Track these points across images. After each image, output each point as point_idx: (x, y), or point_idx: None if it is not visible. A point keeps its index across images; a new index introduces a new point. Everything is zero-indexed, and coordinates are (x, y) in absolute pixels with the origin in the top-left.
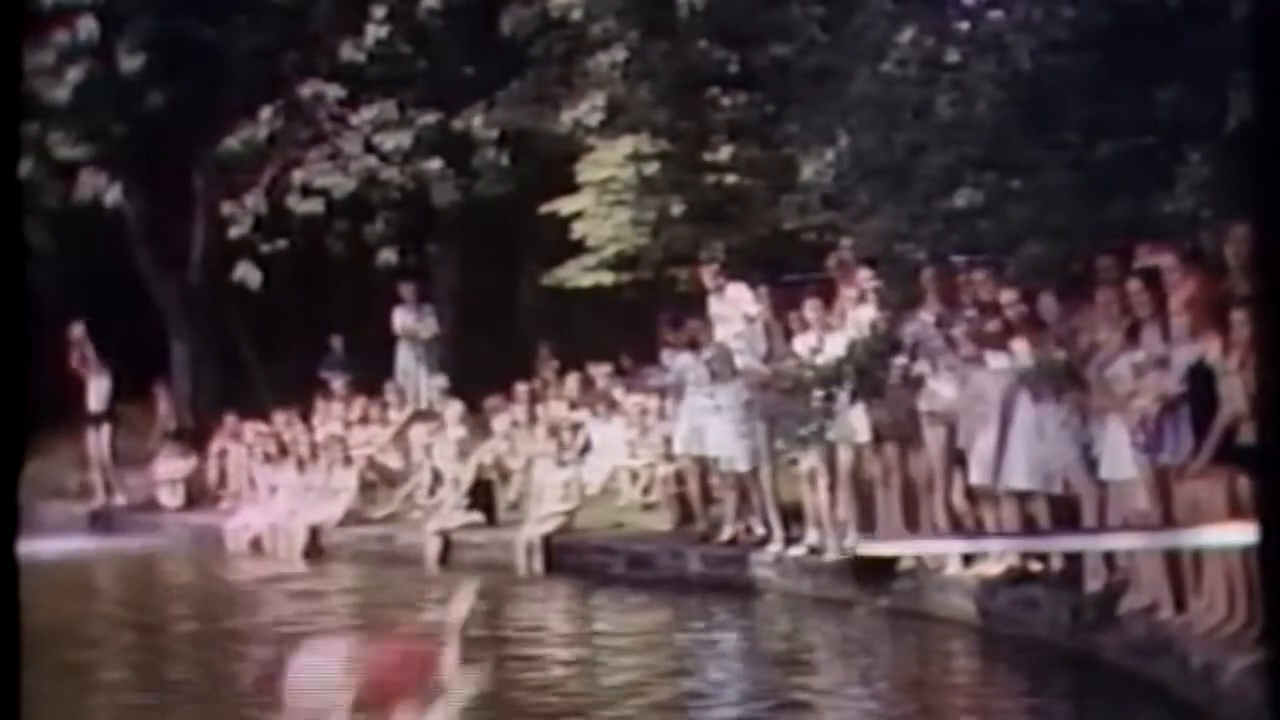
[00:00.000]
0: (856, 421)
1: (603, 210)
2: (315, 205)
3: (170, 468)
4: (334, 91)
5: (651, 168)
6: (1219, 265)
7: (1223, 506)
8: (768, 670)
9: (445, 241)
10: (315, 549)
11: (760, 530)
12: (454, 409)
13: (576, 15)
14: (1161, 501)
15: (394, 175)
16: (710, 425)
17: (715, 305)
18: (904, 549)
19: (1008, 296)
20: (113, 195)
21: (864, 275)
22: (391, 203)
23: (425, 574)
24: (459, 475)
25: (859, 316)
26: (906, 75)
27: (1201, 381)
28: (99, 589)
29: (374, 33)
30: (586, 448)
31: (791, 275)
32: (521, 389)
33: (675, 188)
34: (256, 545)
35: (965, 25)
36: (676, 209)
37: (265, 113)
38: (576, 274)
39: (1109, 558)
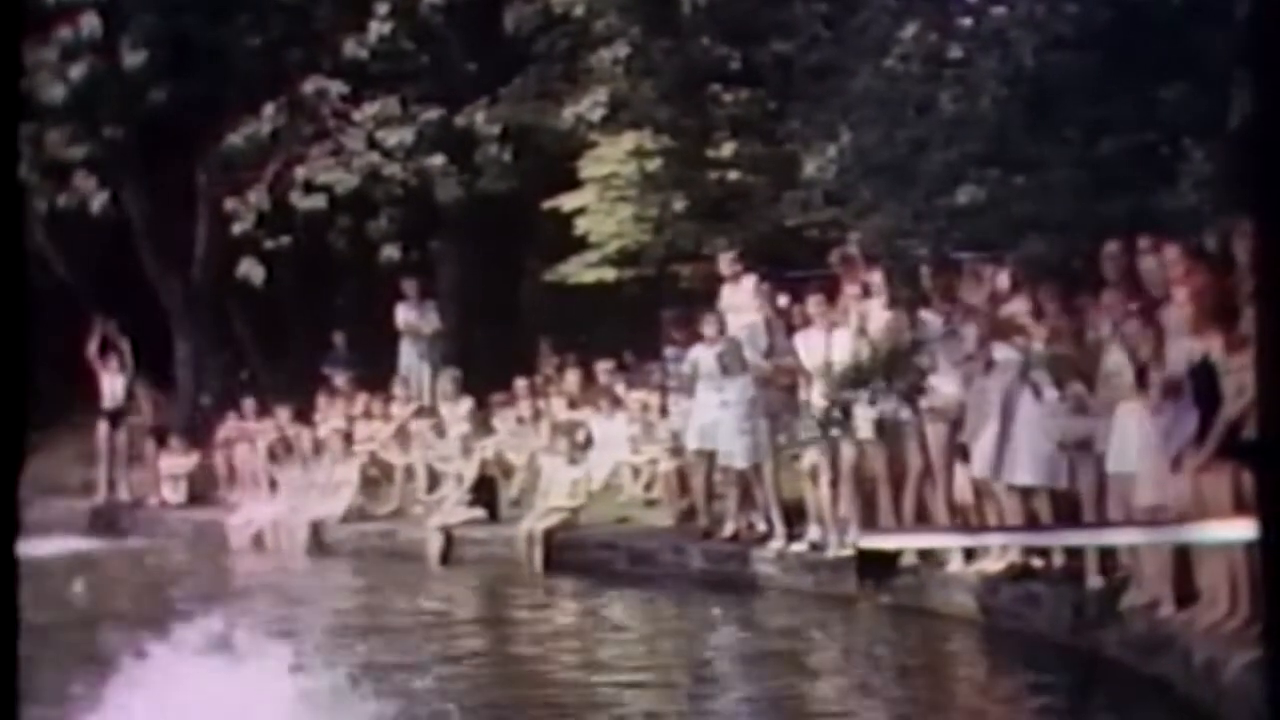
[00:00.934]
0: (860, 418)
1: (605, 206)
2: (318, 201)
3: (173, 464)
4: (337, 88)
5: (654, 164)
6: (1223, 261)
7: (1226, 502)
8: (769, 666)
9: (448, 238)
10: (317, 545)
11: (762, 526)
12: (462, 405)
13: (579, 11)
14: (1166, 496)
15: (397, 171)
16: (722, 420)
17: (729, 295)
18: (906, 544)
19: (1017, 289)
20: (100, 201)
21: (871, 271)
22: (394, 199)
23: (427, 570)
24: (462, 471)
25: (864, 313)
26: (909, 71)
27: (1204, 377)
28: (99, 585)
29: (377, 29)
30: (589, 443)
31: (794, 272)
32: (521, 384)
33: (678, 184)
34: (259, 541)
35: (968, 21)
36: (679, 205)
37: (268, 109)
38: (579, 270)
39: (1109, 554)
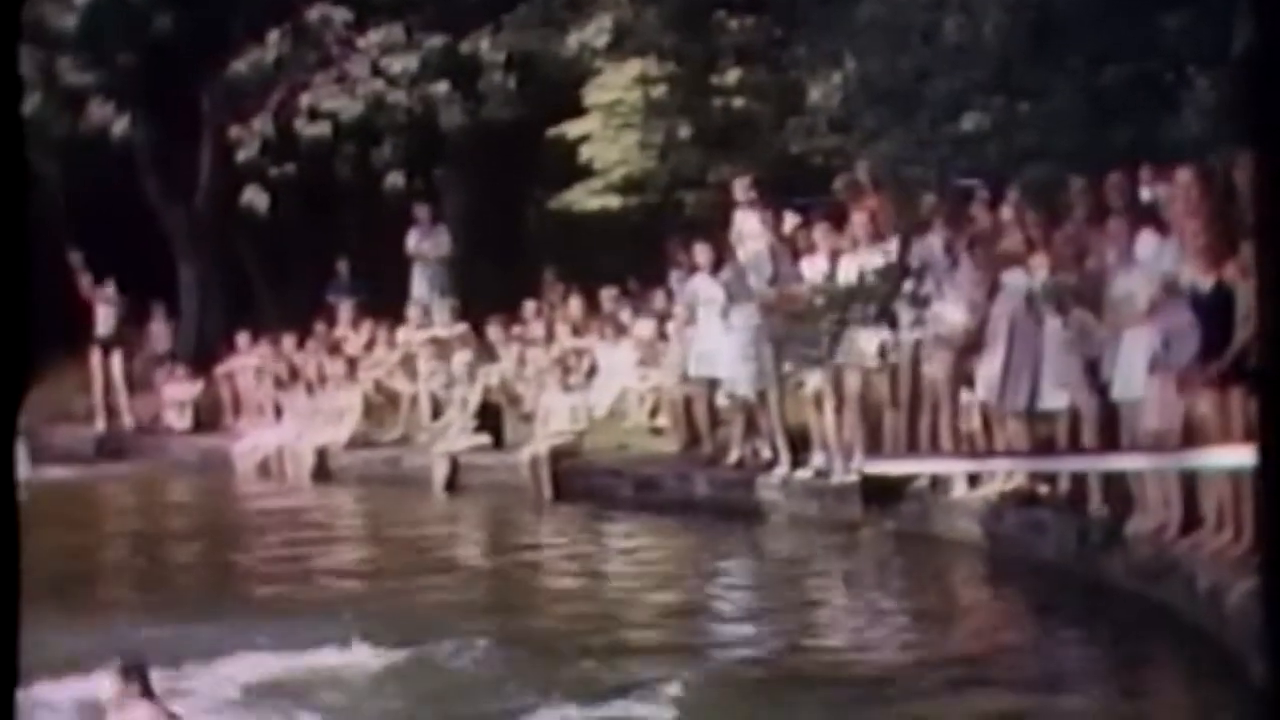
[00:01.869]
0: (865, 344)
1: (610, 134)
2: (323, 129)
3: (178, 391)
4: (341, 15)
5: (659, 91)
6: (1228, 190)
7: (1232, 428)
8: (773, 591)
9: (452, 165)
10: (323, 471)
11: (767, 453)
12: (457, 329)
13: None
14: (1171, 422)
15: (401, 99)
16: (716, 347)
17: (743, 220)
18: (910, 469)
19: (1021, 216)
20: (120, 126)
21: (877, 198)
22: (399, 126)
23: (432, 497)
24: (466, 397)
25: (870, 240)
26: None
27: (1215, 302)
28: (105, 510)
29: None
30: (593, 371)
31: (799, 198)
32: (530, 306)
33: (682, 111)
34: (264, 467)
35: None
36: (684, 132)
37: (272, 36)
38: (583, 197)
39: (1114, 480)
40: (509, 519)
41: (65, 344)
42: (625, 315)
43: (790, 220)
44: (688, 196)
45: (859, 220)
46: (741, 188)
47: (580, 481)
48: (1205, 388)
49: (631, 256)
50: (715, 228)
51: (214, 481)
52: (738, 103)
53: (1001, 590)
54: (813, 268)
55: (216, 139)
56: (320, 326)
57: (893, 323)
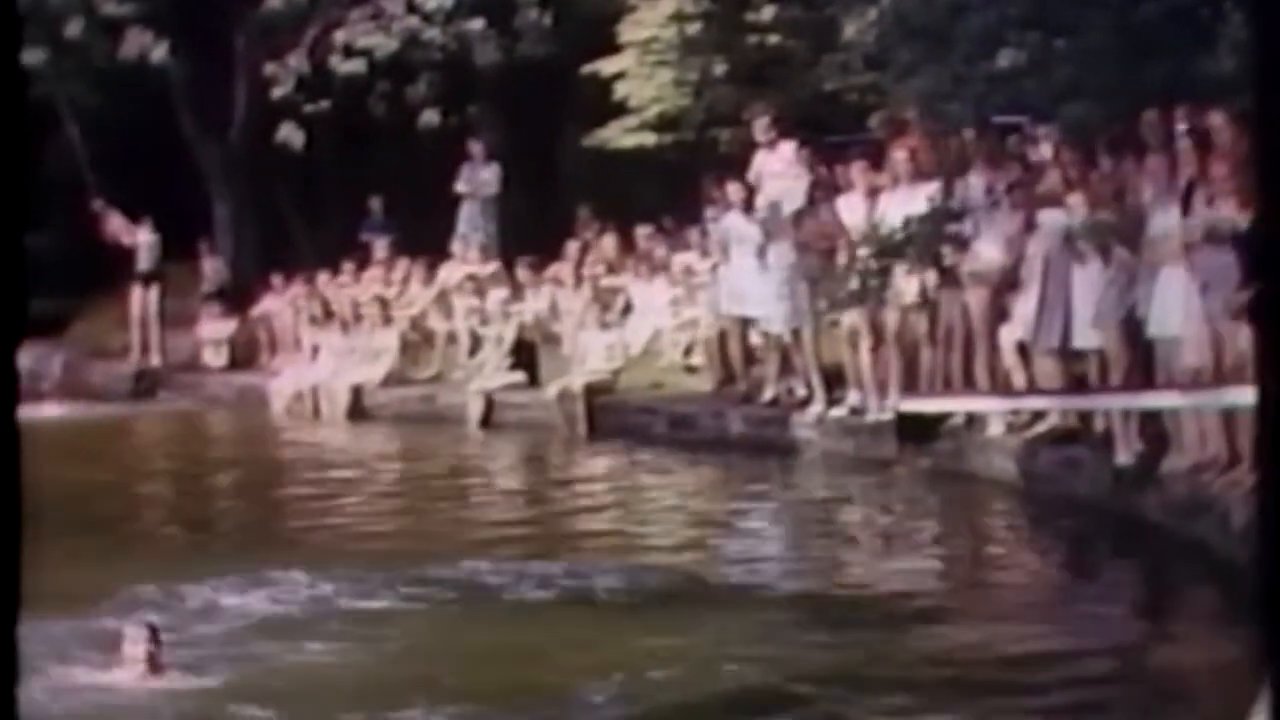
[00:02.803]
0: (904, 283)
1: (645, 71)
2: (358, 66)
3: (214, 328)
4: None
5: (694, 28)
6: None
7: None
8: (808, 529)
9: (487, 103)
10: (358, 409)
11: (802, 391)
12: (489, 267)
13: None
14: (1207, 359)
15: (436, 36)
16: (750, 285)
17: (765, 161)
18: (946, 407)
19: (1059, 155)
20: (159, 53)
21: (916, 135)
22: (433, 64)
23: (467, 434)
24: (501, 335)
25: (908, 177)
26: None
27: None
28: (141, 446)
29: None
30: (628, 309)
31: (834, 136)
32: (572, 246)
33: (717, 48)
34: (299, 405)
35: None
36: (718, 69)
37: None
38: (618, 135)
39: (1150, 418)
40: (543, 455)
41: (103, 281)
42: (660, 253)
43: (820, 163)
44: (722, 134)
45: (899, 158)
46: (761, 128)
47: (614, 419)
48: (1242, 324)
49: (666, 194)
50: (750, 165)
51: (249, 419)
52: (772, 39)
53: (1036, 527)
54: (849, 206)
55: (252, 76)
56: (349, 265)
57: (937, 264)
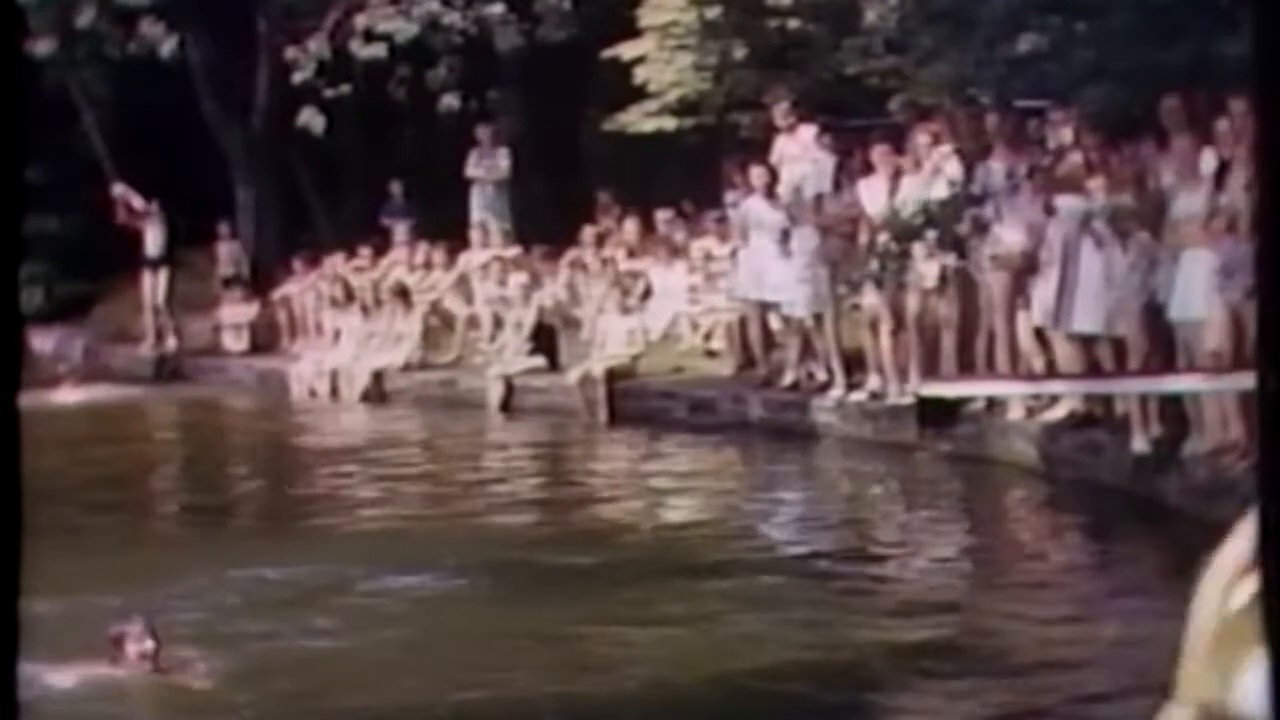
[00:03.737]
0: (925, 267)
1: (665, 55)
2: (378, 50)
3: (234, 312)
4: None
5: (714, 12)
6: None
7: None
8: (828, 514)
9: (507, 87)
10: (378, 393)
11: (822, 375)
12: (513, 253)
13: None
14: (1230, 341)
15: (456, 20)
16: (771, 269)
17: (784, 145)
18: (966, 391)
19: (1080, 138)
20: (169, 46)
21: (937, 120)
22: (454, 48)
23: (487, 418)
24: (521, 320)
25: (934, 163)
26: None
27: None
28: (159, 430)
29: None
30: (648, 293)
31: (855, 120)
32: (589, 232)
33: (738, 32)
34: (320, 389)
35: None
36: (739, 53)
37: None
38: (638, 119)
39: (1171, 402)
40: (563, 440)
41: (124, 265)
42: (680, 237)
43: (840, 147)
44: (743, 118)
45: (921, 142)
46: (781, 112)
47: (634, 404)
48: None
49: (686, 178)
50: (770, 149)
51: (269, 403)
52: (793, 23)
53: (1056, 511)
54: (871, 190)
55: (273, 60)
56: (367, 249)
57: (958, 248)
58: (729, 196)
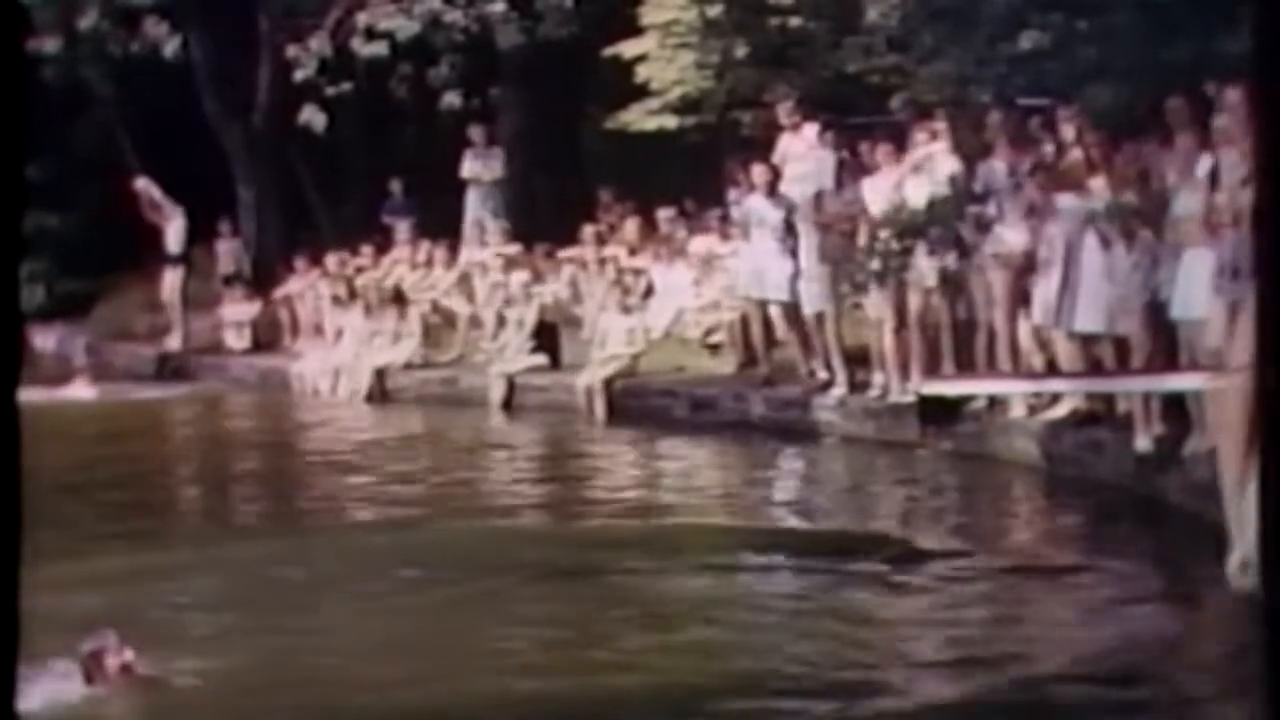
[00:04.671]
0: (926, 266)
1: (666, 53)
2: (379, 48)
3: (236, 310)
4: None
5: (715, 10)
6: None
7: None
8: (830, 513)
9: (509, 85)
10: (380, 392)
11: (823, 374)
12: (509, 249)
13: None
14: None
15: (458, 18)
16: (773, 267)
17: (788, 144)
18: (968, 390)
19: (1082, 137)
20: (172, 46)
21: (938, 118)
22: (455, 46)
23: (489, 416)
24: (523, 317)
25: (935, 162)
26: None
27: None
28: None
29: None
30: (649, 292)
31: (856, 118)
32: (588, 231)
33: (739, 30)
34: (322, 388)
35: None
36: (740, 51)
37: None
38: (640, 117)
39: (1173, 400)
40: (565, 439)
41: (127, 263)
42: (681, 235)
43: (843, 145)
44: (744, 116)
45: (921, 140)
46: (785, 111)
47: (635, 402)
48: None
49: (688, 176)
50: (772, 147)
51: (271, 402)
52: (794, 21)
53: (1058, 510)
54: (873, 188)
55: (274, 58)
56: (368, 247)
57: (959, 247)
58: (730, 195)
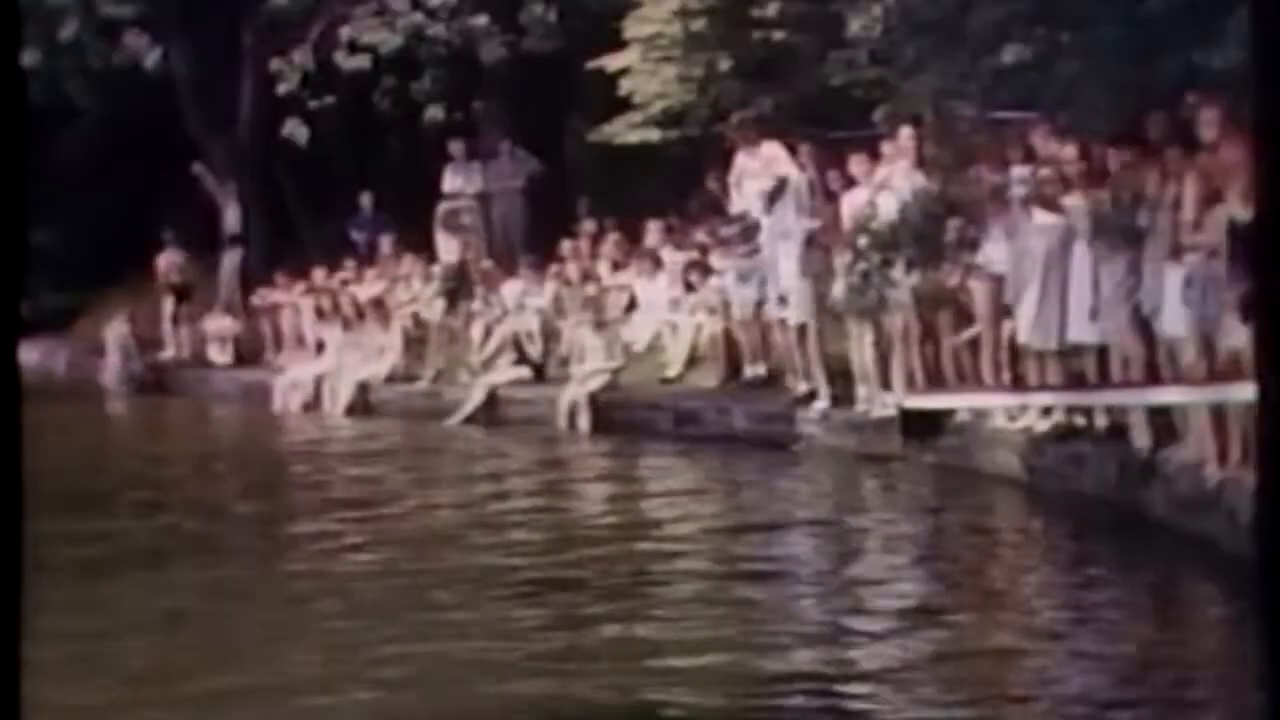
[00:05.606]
0: (907, 279)
1: (650, 66)
2: (363, 62)
3: (219, 324)
4: None
5: (698, 23)
6: None
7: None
8: (814, 525)
9: (492, 99)
10: (363, 405)
11: (803, 387)
12: (483, 264)
13: None
14: (1208, 356)
15: (441, 31)
16: (759, 281)
17: (745, 160)
18: (950, 404)
19: (1065, 151)
20: (152, 58)
21: (917, 132)
22: (438, 59)
23: (471, 430)
24: (506, 331)
25: (908, 174)
26: None
27: (1239, 238)
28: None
29: None
30: (633, 305)
31: (839, 132)
32: (567, 245)
33: (722, 43)
34: (305, 401)
35: None
36: (724, 65)
37: None
38: (623, 131)
39: (1155, 414)
40: (548, 452)
41: (108, 277)
42: (665, 249)
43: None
44: (728, 130)
45: (900, 153)
46: (736, 127)
47: (619, 415)
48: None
49: (671, 190)
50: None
51: (253, 415)
52: (778, 35)
53: (1041, 523)
54: (852, 202)
55: (257, 71)
56: (352, 261)
57: (938, 262)
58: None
